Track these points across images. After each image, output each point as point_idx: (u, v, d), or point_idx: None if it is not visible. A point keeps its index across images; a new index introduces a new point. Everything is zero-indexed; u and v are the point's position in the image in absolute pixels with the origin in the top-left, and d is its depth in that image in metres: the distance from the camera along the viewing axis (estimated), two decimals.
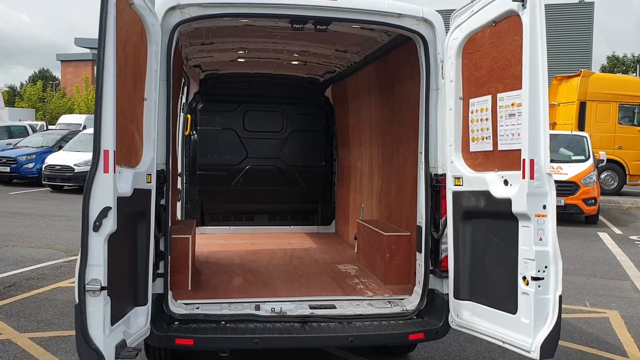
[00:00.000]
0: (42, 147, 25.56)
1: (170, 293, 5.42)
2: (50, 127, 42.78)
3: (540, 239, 4.44)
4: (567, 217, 17.29)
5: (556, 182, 15.70)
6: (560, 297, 4.42)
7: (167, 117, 5.30)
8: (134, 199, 4.44)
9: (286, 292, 6.06)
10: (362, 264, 7.39)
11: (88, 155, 21.99)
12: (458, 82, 5.31)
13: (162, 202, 5.26)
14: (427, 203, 5.62)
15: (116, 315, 4.26)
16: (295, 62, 9.14)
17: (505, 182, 4.75)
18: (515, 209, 4.55)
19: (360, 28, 6.64)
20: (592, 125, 22.97)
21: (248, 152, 9.99)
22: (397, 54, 6.73)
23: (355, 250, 7.82)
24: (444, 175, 5.41)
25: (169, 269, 5.31)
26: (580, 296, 9.74)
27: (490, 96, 4.97)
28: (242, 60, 9.04)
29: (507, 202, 4.63)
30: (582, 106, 23.43)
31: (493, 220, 4.91)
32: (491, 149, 5.00)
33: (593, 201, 16.89)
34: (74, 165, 22.32)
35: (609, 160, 21.16)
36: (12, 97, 76.31)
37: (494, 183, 4.86)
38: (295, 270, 7.14)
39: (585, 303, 9.36)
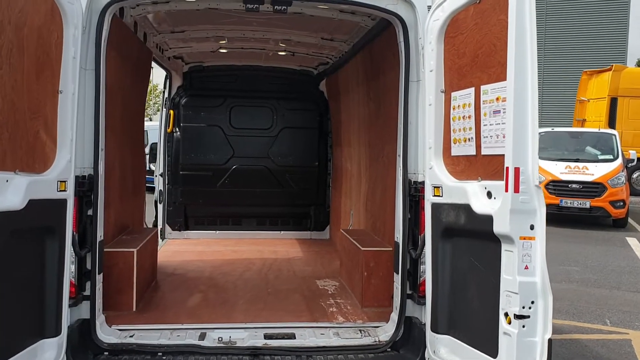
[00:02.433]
0: None
1: (101, 318, 4.69)
2: None
3: (526, 268, 3.55)
4: (592, 220, 16.13)
5: (581, 183, 14.43)
6: (550, 341, 3.53)
7: (96, 112, 4.55)
8: (30, 212, 3.69)
9: (243, 316, 5.27)
10: (345, 279, 6.55)
11: None
12: (439, 72, 4.44)
13: (90, 212, 4.55)
14: (404, 215, 4.78)
15: (4, 351, 3.53)
16: (283, 53, 8.33)
17: (489, 195, 3.87)
18: (497, 228, 3.67)
19: (340, 12, 5.83)
20: (623, 122, 21.65)
21: (234, 151, 9.21)
22: (381, 40, 5.87)
23: (339, 263, 6.99)
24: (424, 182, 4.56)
25: (97, 290, 4.57)
26: (600, 312, 8.71)
27: (473, 89, 4.09)
28: (224, 50, 8.27)
29: (489, 219, 3.75)
30: (613, 102, 22.11)
31: (475, 241, 4.03)
32: (474, 152, 4.11)
33: (621, 203, 15.69)
34: None
35: None
36: None
37: (475, 195, 3.98)
38: (266, 286, 6.34)
39: (605, 321, 8.34)
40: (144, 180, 7.30)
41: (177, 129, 9.16)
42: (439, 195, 4.38)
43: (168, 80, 9.10)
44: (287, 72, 9.29)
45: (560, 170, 15.80)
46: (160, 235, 9.17)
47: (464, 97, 4.18)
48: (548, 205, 15.62)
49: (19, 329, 3.75)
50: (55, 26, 4.01)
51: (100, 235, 4.68)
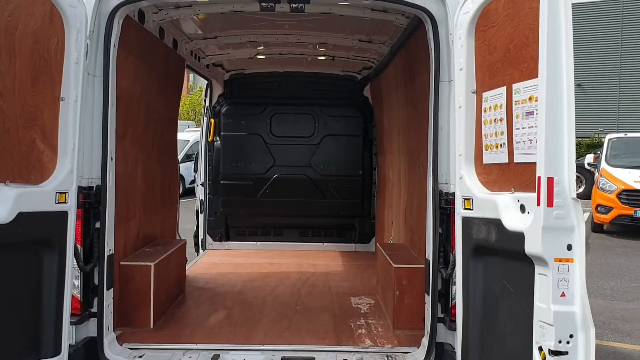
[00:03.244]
0: None
1: (111, 336, 4.46)
2: None
3: (563, 295, 3.03)
4: None
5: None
6: None
7: (104, 120, 4.35)
8: (19, 225, 3.48)
9: (263, 336, 4.92)
10: (380, 297, 6.10)
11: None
12: (470, 70, 3.97)
13: (98, 224, 4.34)
14: (435, 230, 4.33)
15: None
16: (322, 58, 7.99)
17: (522, 208, 3.37)
18: (529, 248, 3.17)
19: (371, 10, 5.46)
20: None
21: (275, 160, 8.91)
22: (415, 39, 5.42)
23: (376, 280, 6.54)
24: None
25: (105, 307, 4.34)
26: None
27: (504, 88, 3.60)
28: (262, 57, 8.02)
29: (520, 237, 3.25)
30: None
31: (507, 261, 3.53)
32: (506, 160, 3.62)
33: None
34: None
35: None
36: None
37: (507, 209, 3.49)
38: (295, 303, 5.98)
39: None
40: (176, 190, 7.11)
41: (218, 138, 8.97)
42: (469, 209, 3.90)
43: (209, 88, 8.94)
44: (330, 78, 8.93)
45: (634, 178, 14.71)
46: (201, 245, 9.00)
47: (495, 97, 3.70)
48: (621, 217, 14.53)
49: (10, 348, 3.55)
50: (54, 30, 3.82)
51: (109, 249, 4.47)
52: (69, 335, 3.99)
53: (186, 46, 6.89)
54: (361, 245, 9.09)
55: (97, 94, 4.34)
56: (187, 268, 7.66)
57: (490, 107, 3.75)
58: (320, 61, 8.21)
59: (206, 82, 8.94)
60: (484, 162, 3.85)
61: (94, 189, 4.32)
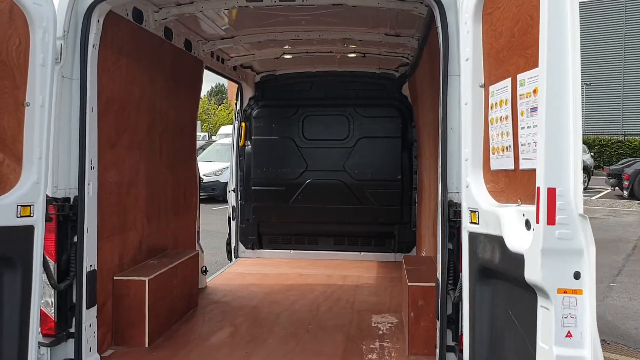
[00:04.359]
0: None
1: (95, 357, 4.17)
2: (213, 137, 44.95)
3: (569, 335, 2.43)
4: None
5: None
6: None
7: (82, 127, 4.06)
8: None
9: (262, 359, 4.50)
10: (404, 316, 5.54)
11: (219, 165, 21.78)
12: (477, 60, 3.40)
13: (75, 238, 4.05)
14: (444, 245, 3.78)
15: None
16: (353, 55, 7.50)
17: (527, 225, 2.78)
18: (528, 274, 2.59)
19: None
20: None
21: (307, 164, 8.48)
22: (434, 31, 4.85)
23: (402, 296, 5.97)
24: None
25: (84, 327, 4.05)
26: None
27: (509, 80, 3.02)
28: (289, 56, 7.62)
29: (521, 260, 2.67)
30: None
31: (512, 287, 2.94)
32: (512, 166, 3.03)
33: None
34: (203, 175, 22.50)
35: None
36: None
37: (510, 224, 2.90)
38: (310, 320, 5.52)
39: None
40: (194, 197, 6.80)
41: (249, 142, 8.64)
42: (475, 223, 3.33)
43: (239, 91, 8.62)
44: (366, 76, 8.42)
45: None
46: (234, 253, 8.70)
47: (500, 91, 3.11)
48: None
49: None
50: (15, 30, 3.53)
51: (91, 264, 4.17)
52: (38, 359, 3.70)
53: (203, 47, 6.57)
54: (401, 255, 8.48)
55: (75, 98, 4.07)
56: (210, 278, 7.37)
57: (496, 103, 3.17)
58: (352, 59, 7.72)
59: (234, 86, 8.64)
60: (492, 168, 3.27)
61: (71, 200, 4.04)
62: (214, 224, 13.36)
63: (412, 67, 7.50)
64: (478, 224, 3.29)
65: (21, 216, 3.55)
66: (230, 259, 8.74)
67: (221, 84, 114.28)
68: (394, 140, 8.38)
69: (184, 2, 5.15)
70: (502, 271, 2.97)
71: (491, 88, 3.24)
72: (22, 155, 3.62)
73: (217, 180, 22.77)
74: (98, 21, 4.14)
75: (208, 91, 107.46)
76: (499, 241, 2.97)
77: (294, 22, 6.08)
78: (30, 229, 3.60)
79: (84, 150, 4.05)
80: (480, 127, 3.40)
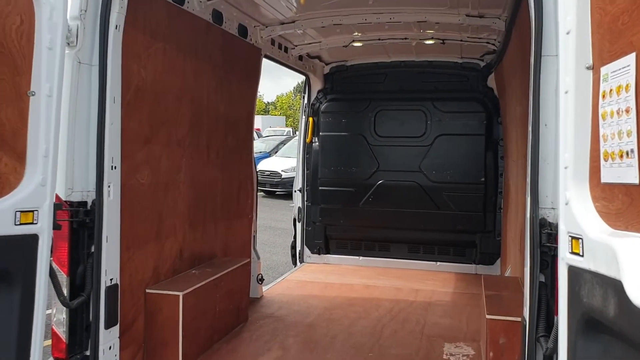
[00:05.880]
0: (261, 152, 25.99)
1: None
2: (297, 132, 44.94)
3: None
4: None
5: None
6: None
7: (100, 120, 3.52)
8: None
9: None
10: (483, 351, 4.68)
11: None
12: (583, 32, 2.53)
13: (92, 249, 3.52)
14: (533, 277, 2.93)
15: None
16: (431, 42, 6.64)
17: None
18: None
19: None
20: None
21: (379, 164, 7.71)
22: (524, 5, 3.97)
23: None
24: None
25: (101, 350, 3.52)
26: None
27: (633, 56, 2.14)
28: (358, 44, 6.87)
29: None
30: None
31: (635, 352, 2.07)
32: (636, 180, 2.15)
33: None
34: (282, 171, 22.18)
35: None
36: (268, 105, 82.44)
37: (633, 263, 2.02)
38: (370, 347, 4.78)
39: None
40: (251, 199, 6.21)
41: (316, 139, 7.98)
42: (577, 254, 2.46)
43: (307, 84, 7.97)
44: (446, 67, 7.53)
45: None
46: (299, 258, 8.08)
47: (618, 74, 2.23)
48: None
49: None
50: (14, 8, 3.01)
51: (111, 277, 3.63)
52: None
53: (261, 34, 5.96)
54: (483, 267, 7.56)
55: (95, 88, 3.53)
56: (270, 285, 6.79)
57: (611, 91, 2.29)
58: (430, 47, 6.87)
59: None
60: (602, 181, 2.39)
61: (89, 204, 3.51)
62: (290, 221, 12.84)
63: (499, 54, 6.55)
64: (582, 256, 2.42)
65: (21, 223, 3.04)
66: (294, 263, 8.14)
67: None
68: (477, 138, 7.44)
69: None
70: (619, 330, 2.10)
71: (603, 70, 2.37)
72: (24, 153, 3.11)
73: None
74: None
75: (294, 87, 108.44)
76: (614, 286, 2.11)
77: (359, 3, 5.34)
78: (33, 238, 3.09)
79: (103, 147, 3.50)
80: (586, 123, 2.52)
